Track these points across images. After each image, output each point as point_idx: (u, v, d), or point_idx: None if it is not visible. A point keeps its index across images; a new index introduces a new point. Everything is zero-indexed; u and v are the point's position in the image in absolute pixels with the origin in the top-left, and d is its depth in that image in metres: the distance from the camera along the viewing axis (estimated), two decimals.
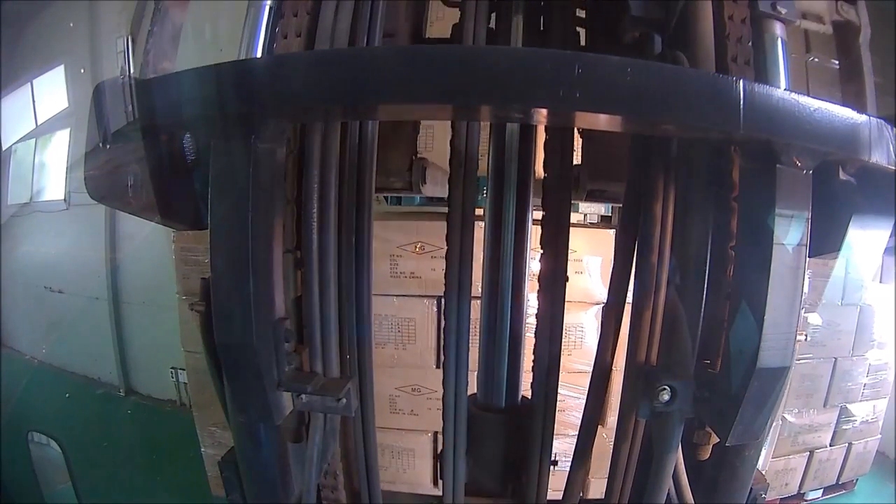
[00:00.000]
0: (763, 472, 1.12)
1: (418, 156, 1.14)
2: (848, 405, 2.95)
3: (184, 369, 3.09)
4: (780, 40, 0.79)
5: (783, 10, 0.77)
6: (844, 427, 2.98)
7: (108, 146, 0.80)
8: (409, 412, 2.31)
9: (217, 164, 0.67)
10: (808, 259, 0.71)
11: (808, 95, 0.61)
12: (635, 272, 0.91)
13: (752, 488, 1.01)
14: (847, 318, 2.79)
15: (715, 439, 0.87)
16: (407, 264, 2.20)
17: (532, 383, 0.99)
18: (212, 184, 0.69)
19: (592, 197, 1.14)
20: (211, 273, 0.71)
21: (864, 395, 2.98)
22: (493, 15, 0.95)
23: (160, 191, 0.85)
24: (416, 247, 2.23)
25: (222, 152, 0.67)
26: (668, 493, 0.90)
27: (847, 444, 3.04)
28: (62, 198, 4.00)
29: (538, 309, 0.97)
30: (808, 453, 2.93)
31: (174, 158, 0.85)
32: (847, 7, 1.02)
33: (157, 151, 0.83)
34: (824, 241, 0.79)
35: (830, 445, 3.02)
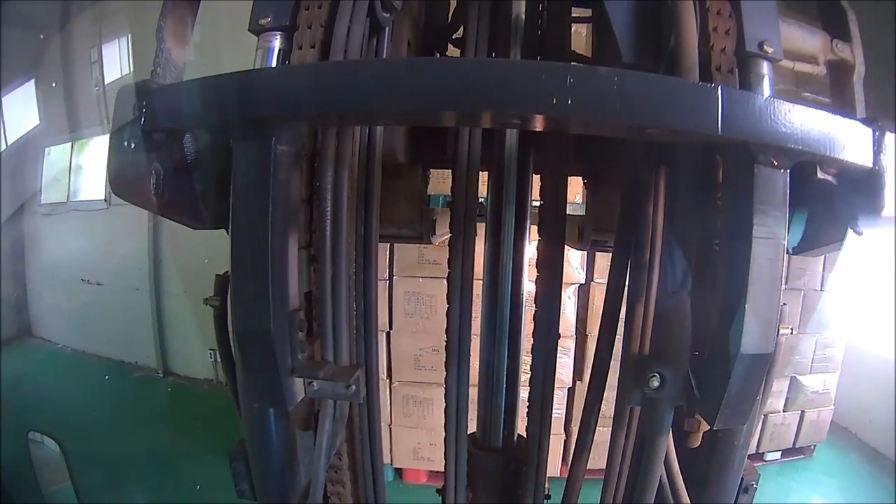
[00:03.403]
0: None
1: (428, 207, 1.25)
2: (798, 376, 3.43)
3: None
4: (766, 78, 0.83)
5: (770, 49, 0.80)
6: (796, 396, 3.46)
7: (132, 147, 0.86)
8: (429, 368, 3.06)
9: (239, 165, 0.73)
10: (789, 253, 0.76)
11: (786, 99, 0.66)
12: (630, 268, 0.96)
13: (742, 478, 1.06)
14: (790, 300, 3.19)
15: (705, 427, 0.92)
16: (430, 254, 2.93)
17: (527, 426, 1.10)
18: (233, 183, 0.74)
19: (596, 247, 1.26)
20: (231, 266, 0.76)
21: (814, 369, 3.45)
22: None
23: (180, 190, 0.91)
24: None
25: (244, 154, 0.72)
26: (661, 483, 0.95)
27: (800, 412, 3.50)
28: (103, 197, 4.47)
29: (532, 360, 1.08)
30: (763, 416, 3.32)
31: (194, 159, 0.90)
32: (842, 45, 1.04)
33: (178, 153, 0.89)
34: (822, 236, 0.84)
35: (784, 411, 3.49)
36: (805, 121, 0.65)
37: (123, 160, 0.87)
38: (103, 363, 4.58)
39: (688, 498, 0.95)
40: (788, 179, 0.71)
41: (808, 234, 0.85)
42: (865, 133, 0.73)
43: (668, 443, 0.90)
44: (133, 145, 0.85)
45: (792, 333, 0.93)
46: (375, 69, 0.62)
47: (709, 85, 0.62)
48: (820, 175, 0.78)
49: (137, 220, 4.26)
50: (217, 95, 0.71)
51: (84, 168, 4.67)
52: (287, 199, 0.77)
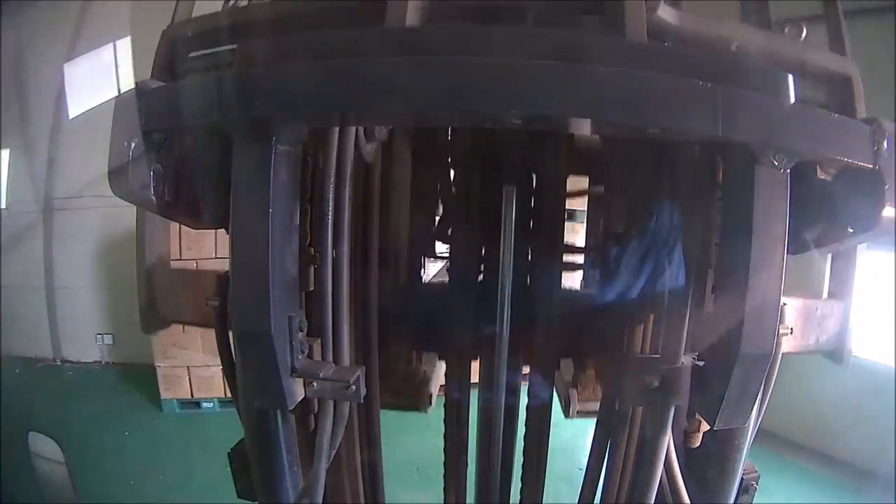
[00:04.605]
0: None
1: (423, 373, 1.33)
2: None
3: (109, 334, 5.00)
4: None
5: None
6: None
7: (132, 146, 0.86)
8: None
9: (239, 165, 0.73)
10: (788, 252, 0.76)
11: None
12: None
13: (742, 478, 1.06)
14: None
15: (705, 427, 0.92)
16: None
17: None
18: (234, 183, 0.74)
19: (581, 416, 1.27)
20: (231, 266, 0.76)
21: None
22: None
23: (180, 190, 0.91)
24: None
25: (244, 154, 0.72)
26: (661, 483, 0.95)
27: None
28: (3, 206, 4.98)
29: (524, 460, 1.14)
30: None
31: (193, 159, 0.90)
32: None
33: (178, 153, 0.89)
34: (822, 237, 0.84)
35: None
36: (806, 121, 0.65)
37: (123, 160, 0.87)
38: (11, 360, 4.99)
39: (688, 498, 0.95)
40: (789, 179, 0.71)
41: (808, 234, 0.85)
42: (865, 133, 0.73)
43: (668, 443, 0.90)
44: (133, 145, 0.85)
45: (791, 333, 0.92)
46: (376, 69, 0.62)
47: (709, 85, 0.62)
48: (820, 175, 0.78)
49: (32, 224, 4.83)
50: (217, 95, 0.71)
51: None
52: (287, 199, 0.76)
